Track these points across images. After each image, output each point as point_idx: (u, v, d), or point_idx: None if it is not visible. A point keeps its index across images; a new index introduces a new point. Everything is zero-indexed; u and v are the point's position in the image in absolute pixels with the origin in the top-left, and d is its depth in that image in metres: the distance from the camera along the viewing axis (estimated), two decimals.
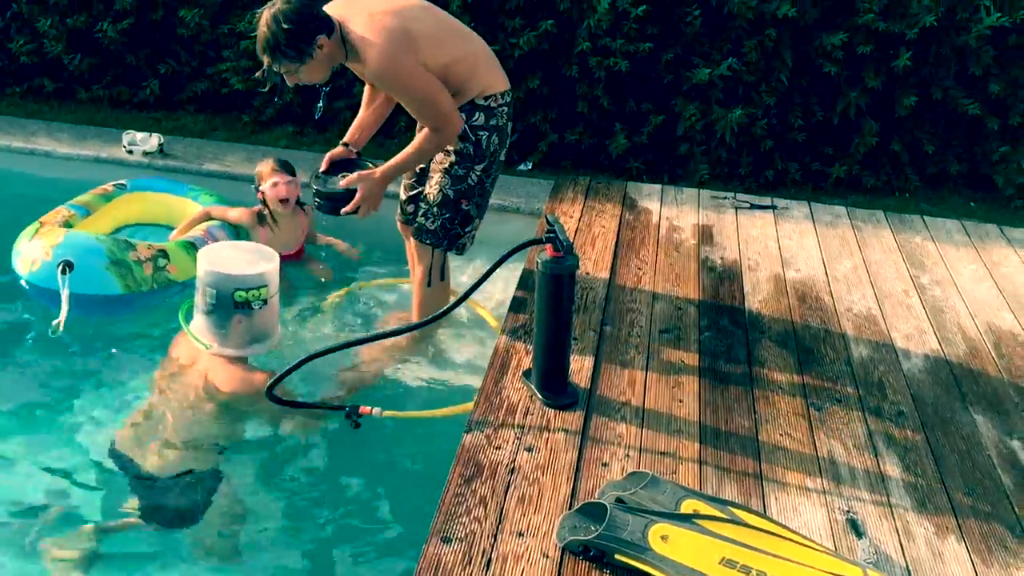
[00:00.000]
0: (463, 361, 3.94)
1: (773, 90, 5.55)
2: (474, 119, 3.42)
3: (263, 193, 4.34)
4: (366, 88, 3.67)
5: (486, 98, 3.43)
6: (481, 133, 3.45)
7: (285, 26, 3.03)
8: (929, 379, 3.27)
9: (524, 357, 3.17)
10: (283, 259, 3.95)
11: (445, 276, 3.75)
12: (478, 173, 3.53)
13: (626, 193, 4.80)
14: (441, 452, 2.83)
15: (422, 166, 3.70)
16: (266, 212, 4.39)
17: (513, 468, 2.62)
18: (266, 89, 3.26)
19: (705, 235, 4.36)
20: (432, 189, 3.55)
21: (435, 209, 3.55)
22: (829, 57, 5.43)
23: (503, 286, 4.27)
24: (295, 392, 3.41)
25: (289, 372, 2.99)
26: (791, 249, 4.28)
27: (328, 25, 3.12)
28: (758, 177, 5.76)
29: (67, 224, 4.21)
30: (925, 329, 3.62)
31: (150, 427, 3.24)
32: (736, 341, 3.42)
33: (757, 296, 3.79)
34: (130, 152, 5.45)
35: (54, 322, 3.76)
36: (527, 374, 3.05)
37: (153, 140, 5.47)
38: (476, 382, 3.57)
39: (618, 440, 2.79)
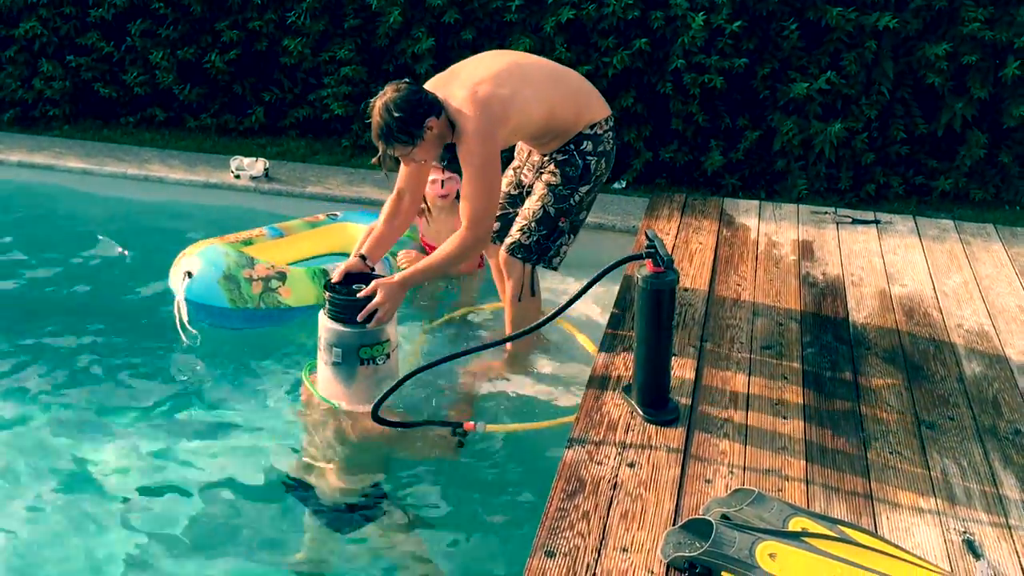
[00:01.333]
0: (559, 377, 3.94)
1: (874, 103, 5.43)
2: (583, 147, 3.54)
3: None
4: (387, 203, 3.65)
5: (591, 127, 3.54)
6: (590, 158, 3.55)
7: (396, 114, 3.15)
8: None
9: (624, 373, 3.17)
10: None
11: (536, 291, 3.77)
12: (581, 194, 3.60)
13: (723, 209, 4.75)
14: (546, 467, 2.84)
15: (520, 181, 3.81)
16: (424, 207, 4.52)
17: (616, 484, 2.62)
18: (383, 172, 3.42)
19: (806, 250, 4.29)
20: (533, 204, 3.61)
21: (533, 224, 3.60)
22: (932, 68, 5.30)
23: (600, 310, 4.28)
24: (403, 412, 3.49)
25: (390, 392, 3.05)
26: (896, 264, 4.18)
27: (436, 108, 3.24)
28: (859, 191, 5.64)
29: (247, 242, 4.43)
30: None
31: (314, 460, 3.39)
32: (841, 357, 3.35)
33: (862, 312, 3.71)
34: (237, 177, 5.66)
35: (184, 338, 3.99)
36: (627, 390, 3.04)
37: (259, 165, 5.67)
38: (571, 399, 3.60)
39: (721, 457, 2.76)
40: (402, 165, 3.50)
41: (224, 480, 3.38)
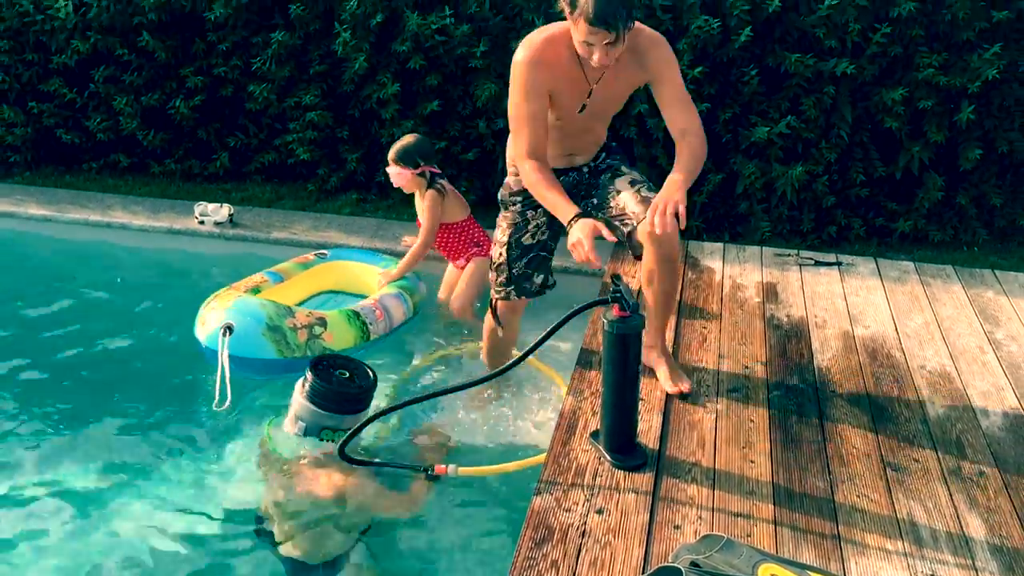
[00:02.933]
0: (531, 419, 3.92)
1: (833, 146, 5.53)
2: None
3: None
4: (535, 174, 3.13)
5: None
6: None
7: None
8: (1010, 438, 3.17)
9: (591, 418, 3.16)
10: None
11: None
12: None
13: (688, 252, 4.79)
14: (520, 509, 2.83)
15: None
16: (439, 185, 4.64)
17: (584, 531, 2.60)
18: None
19: (770, 293, 4.33)
20: (632, 174, 3.47)
21: (649, 183, 3.45)
22: (889, 112, 5.41)
23: (570, 346, 4.28)
24: (367, 452, 3.46)
25: (357, 432, 3.03)
26: (859, 305, 4.22)
27: None
28: (821, 234, 5.71)
29: (255, 290, 4.38)
30: (1003, 386, 3.52)
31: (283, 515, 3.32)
32: (807, 400, 3.37)
33: (826, 354, 3.74)
34: (202, 223, 5.62)
35: (215, 403, 3.84)
36: (595, 435, 3.03)
37: (224, 210, 5.64)
38: (544, 439, 3.58)
39: (690, 502, 2.75)
40: (532, 120, 3.07)
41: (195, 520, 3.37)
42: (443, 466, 3.22)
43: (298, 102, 6.06)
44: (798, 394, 3.40)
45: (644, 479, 2.85)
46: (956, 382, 3.54)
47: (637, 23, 2.91)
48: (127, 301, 5.09)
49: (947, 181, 5.60)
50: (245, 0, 5.87)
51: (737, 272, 4.55)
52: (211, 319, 4.13)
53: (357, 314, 4.36)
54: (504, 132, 5.80)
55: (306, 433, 3.42)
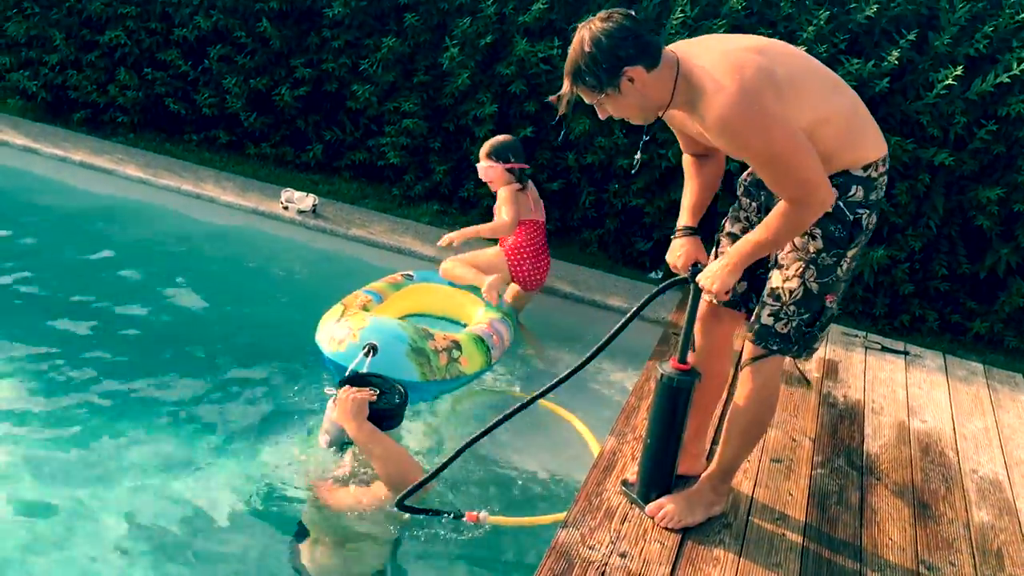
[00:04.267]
0: (562, 468, 3.86)
1: (920, 235, 5.45)
2: (850, 194, 2.62)
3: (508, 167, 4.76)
4: (687, 170, 2.97)
5: (865, 168, 2.62)
6: (860, 211, 2.63)
7: (588, 49, 2.49)
8: None
9: (630, 462, 3.16)
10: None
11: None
12: (848, 260, 2.70)
13: None
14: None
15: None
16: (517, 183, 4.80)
17: (604, 571, 2.61)
18: (555, 120, 2.95)
19: (830, 370, 4.28)
20: (789, 282, 2.71)
21: (791, 308, 2.71)
22: (983, 210, 5.31)
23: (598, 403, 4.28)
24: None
25: (421, 485, 3.01)
26: (919, 398, 4.15)
27: (649, 57, 2.48)
28: (893, 320, 5.62)
29: (365, 308, 4.34)
30: None
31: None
32: (850, 483, 3.32)
33: (878, 440, 3.68)
34: (286, 208, 5.77)
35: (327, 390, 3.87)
36: (625, 484, 3.03)
37: (309, 200, 5.79)
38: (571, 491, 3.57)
39: (714, 563, 2.74)
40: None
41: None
42: (475, 514, 3.15)
43: (397, 107, 6.20)
44: (842, 475, 3.36)
45: (672, 532, 2.84)
46: (1006, 492, 3.46)
47: (718, 78, 2.46)
48: (197, 273, 5.24)
49: None
50: (364, 3, 6.04)
51: (817, 350, 4.50)
52: (341, 333, 4.07)
53: (482, 339, 4.32)
54: (592, 168, 5.88)
55: (330, 445, 3.44)
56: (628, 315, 2.83)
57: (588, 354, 2.87)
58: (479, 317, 4.56)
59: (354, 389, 3.38)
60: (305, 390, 4.13)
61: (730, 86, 2.40)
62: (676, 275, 2.88)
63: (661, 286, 2.83)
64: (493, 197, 6.16)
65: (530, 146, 6.00)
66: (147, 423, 3.81)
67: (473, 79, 5.90)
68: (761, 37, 2.67)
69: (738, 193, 2.93)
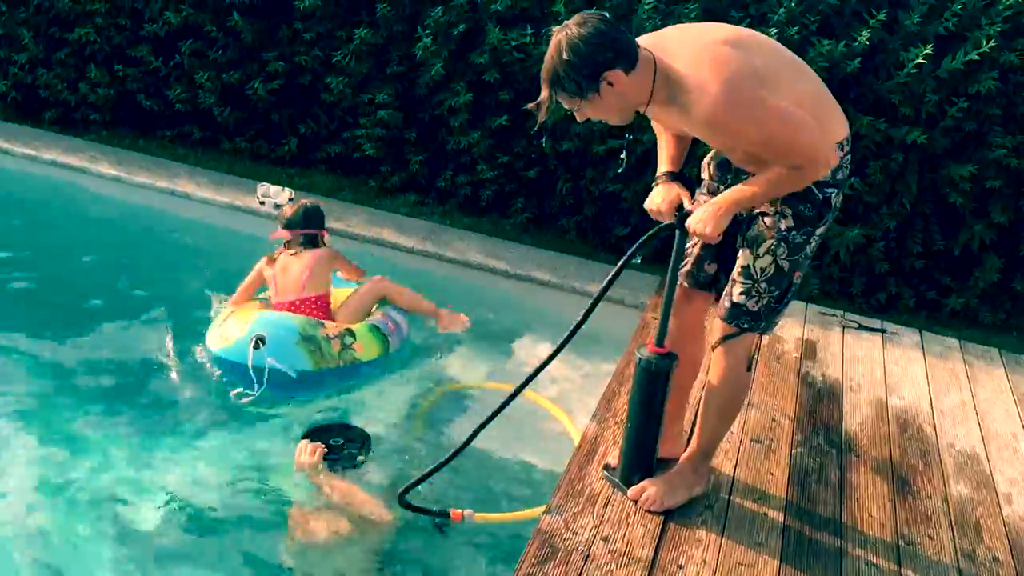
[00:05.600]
0: (544, 460, 3.87)
1: (894, 214, 5.49)
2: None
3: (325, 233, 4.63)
4: (662, 130, 2.94)
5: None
6: (828, 191, 2.68)
7: (566, 56, 2.47)
8: None
9: (612, 447, 3.18)
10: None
11: (753, 365, 3.02)
12: (816, 239, 2.75)
13: None
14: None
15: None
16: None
17: (588, 555, 2.63)
18: (535, 128, 2.92)
19: (808, 350, 4.31)
20: (760, 260, 2.72)
21: (763, 285, 2.74)
22: (956, 187, 5.36)
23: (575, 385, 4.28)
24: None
25: (421, 481, 3.02)
26: (897, 375, 4.19)
27: (627, 59, 2.48)
28: (870, 299, 5.66)
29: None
30: None
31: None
32: (829, 461, 3.35)
33: (856, 418, 3.72)
34: (262, 203, 5.73)
35: (235, 392, 3.93)
36: (608, 468, 3.05)
37: (284, 194, 5.75)
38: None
39: (696, 543, 2.76)
40: None
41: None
42: (459, 512, 3.17)
43: (371, 99, 6.18)
44: (821, 454, 3.39)
45: (655, 515, 2.86)
46: (984, 465, 3.50)
47: (700, 76, 2.46)
48: (168, 268, 5.22)
49: (1005, 264, 5.53)
50: None
51: (778, 325, 4.53)
52: (229, 330, 4.05)
53: (377, 327, 4.36)
54: (569, 155, 5.88)
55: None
56: (612, 272, 2.79)
57: (579, 319, 2.85)
58: (373, 312, 4.59)
59: (308, 447, 3.43)
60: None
61: (713, 84, 2.41)
62: (658, 223, 2.83)
63: (647, 235, 2.78)
64: (471, 185, 6.18)
65: (507, 134, 6.00)
66: (122, 421, 3.82)
67: (447, 69, 5.88)
68: (730, 26, 2.67)
69: (703, 176, 2.94)
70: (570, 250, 5.86)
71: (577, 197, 6.04)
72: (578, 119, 2.65)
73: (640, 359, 2.80)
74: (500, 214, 6.25)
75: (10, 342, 4.26)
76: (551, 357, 2.91)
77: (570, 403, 4.22)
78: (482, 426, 2.94)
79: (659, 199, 2.81)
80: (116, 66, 6.70)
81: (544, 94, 2.58)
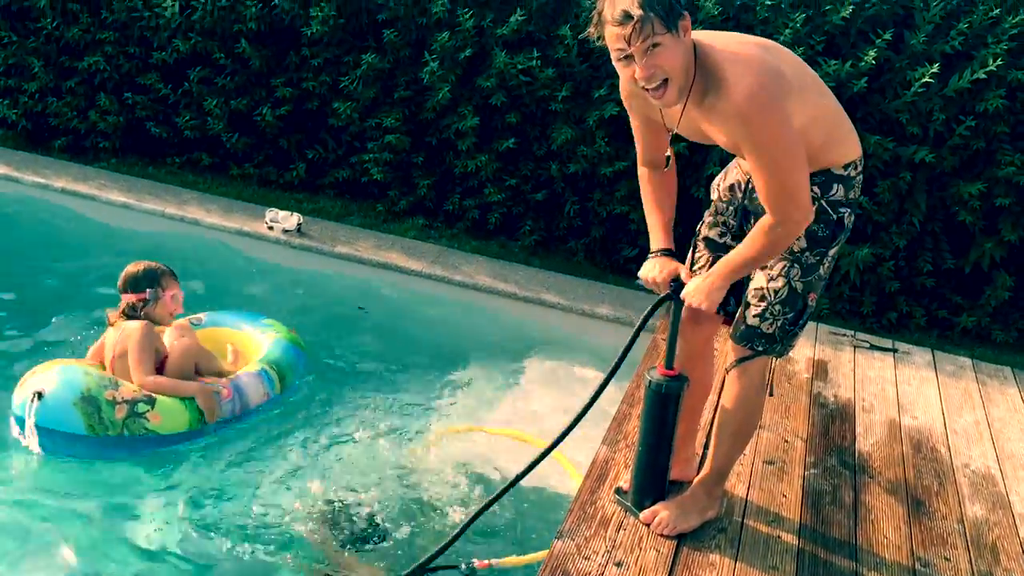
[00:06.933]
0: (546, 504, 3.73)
1: (904, 232, 5.47)
2: (833, 193, 2.64)
3: (160, 299, 3.96)
4: (644, 187, 2.91)
5: (845, 167, 2.65)
6: (842, 210, 2.66)
7: None
8: None
9: (623, 470, 3.16)
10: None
11: (771, 389, 3.00)
12: (830, 259, 2.73)
13: None
14: None
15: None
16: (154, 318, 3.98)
17: None
18: (591, 37, 2.49)
19: (820, 370, 4.29)
20: (774, 282, 2.71)
21: (777, 307, 2.71)
22: (965, 205, 5.34)
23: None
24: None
25: (442, 551, 2.89)
26: (909, 395, 4.16)
27: (688, 16, 2.43)
28: (880, 318, 5.64)
29: None
30: None
31: None
32: (843, 482, 3.32)
33: (869, 439, 3.69)
34: (271, 228, 5.76)
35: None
36: (619, 492, 3.03)
37: (293, 219, 5.78)
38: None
39: (710, 568, 2.74)
40: (638, 131, 2.80)
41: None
42: (484, 561, 3.10)
43: (379, 123, 6.20)
44: (835, 475, 3.36)
45: (668, 539, 2.84)
46: (999, 486, 3.47)
47: (735, 69, 2.42)
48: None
49: (1017, 281, 5.50)
50: (342, 20, 6.05)
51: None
52: (29, 381, 3.73)
53: (192, 398, 3.88)
54: (576, 177, 5.89)
55: None
56: (622, 350, 2.77)
57: (592, 394, 2.78)
58: (248, 366, 4.23)
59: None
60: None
61: (751, 78, 2.39)
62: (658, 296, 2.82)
63: (648, 311, 2.78)
64: (479, 208, 6.19)
65: (514, 157, 6.02)
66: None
67: (454, 92, 5.90)
68: (761, 38, 2.65)
69: (712, 197, 2.94)
70: (578, 272, 5.86)
71: (585, 219, 6.04)
72: (640, 73, 2.42)
73: (650, 382, 2.78)
74: (508, 237, 6.26)
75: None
76: (566, 432, 2.79)
77: (580, 426, 4.18)
78: (507, 488, 2.83)
79: (655, 271, 2.81)
80: (125, 94, 6.75)
81: (636, 11, 2.33)
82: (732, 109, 2.42)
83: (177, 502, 3.55)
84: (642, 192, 2.90)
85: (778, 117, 2.42)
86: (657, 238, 2.87)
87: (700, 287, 2.65)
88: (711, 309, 2.65)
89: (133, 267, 3.98)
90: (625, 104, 2.77)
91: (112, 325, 3.95)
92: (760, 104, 2.39)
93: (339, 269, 5.59)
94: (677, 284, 2.76)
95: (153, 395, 3.76)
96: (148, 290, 3.92)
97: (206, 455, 3.83)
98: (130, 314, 3.91)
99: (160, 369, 3.91)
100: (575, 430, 2.76)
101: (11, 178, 6.30)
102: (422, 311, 5.36)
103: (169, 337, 4.02)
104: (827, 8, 5.26)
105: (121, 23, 6.56)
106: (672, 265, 2.80)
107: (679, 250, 2.89)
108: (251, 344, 4.45)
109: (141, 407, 3.70)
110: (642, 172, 2.88)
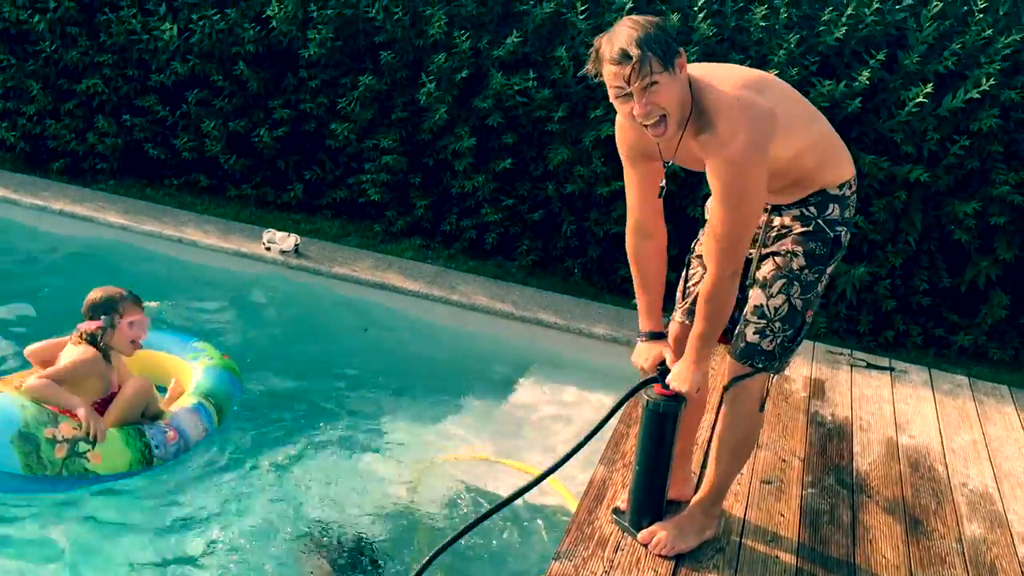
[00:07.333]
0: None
1: (899, 251, 5.49)
2: (828, 212, 2.71)
3: (117, 327, 3.80)
4: (632, 256, 2.93)
5: (840, 186, 2.73)
6: (839, 229, 2.73)
7: (653, 23, 2.46)
8: None
9: (620, 490, 3.15)
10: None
11: (764, 406, 2.91)
12: (826, 277, 2.78)
13: None
14: None
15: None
16: (103, 347, 3.80)
17: None
18: (592, 76, 2.56)
19: (817, 389, 4.29)
20: (773, 300, 2.73)
21: (777, 324, 2.73)
22: (960, 224, 5.37)
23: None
24: None
25: (430, 562, 2.81)
26: (906, 414, 4.16)
27: (681, 57, 2.50)
28: (877, 337, 5.65)
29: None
30: None
31: None
32: (841, 502, 3.32)
33: (867, 458, 3.69)
34: (268, 249, 5.77)
35: None
36: (617, 512, 3.02)
37: (291, 240, 5.79)
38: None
39: None
40: (632, 186, 2.83)
41: None
42: None
43: (376, 144, 6.23)
44: (833, 495, 3.36)
45: (666, 560, 2.83)
46: (997, 504, 3.46)
47: (731, 118, 2.49)
48: (183, 311, 5.23)
49: (1013, 300, 5.52)
50: (339, 43, 6.09)
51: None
52: None
53: (141, 433, 3.76)
54: (573, 197, 5.91)
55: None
56: (609, 411, 2.78)
57: (576, 444, 2.73)
58: (182, 399, 4.07)
59: None
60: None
61: (742, 137, 2.46)
62: (645, 377, 2.87)
63: (632, 387, 2.82)
64: (475, 228, 6.21)
65: (511, 177, 6.04)
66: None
67: (450, 113, 5.93)
68: (755, 71, 2.70)
69: (707, 216, 2.95)
70: (575, 291, 5.87)
71: (582, 239, 6.06)
72: (638, 111, 2.48)
73: (648, 401, 2.78)
74: (505, 256, 6.27)
75: None
76: (556, 466, 2.73)
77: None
78: (486, 515, 2.78)
79: (643, 357, 2.89)
80: (124, 116, 6.77)
81: (635, 53, 2.40)
82: (718, 164, 2.51)
83: (122, 541, 3.42)
84: (631, 265, 2.95)
85: (759, 173, 2.50)
86: (644, 321, 2.95)
87: (680, 374, 2.74)
88: (692, 395, 2.73)
89: (93, 293, 3.84)
90: (620, 147, 2.79)
91: (71, 342, 3.81)
92: (739, 167, 2.48)
93: (336, 288, 5.60)
94: (663, 369, 2.82)
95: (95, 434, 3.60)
96: (103, 317, 3.76)
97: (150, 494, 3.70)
98: (90, 341, 3.76)
99: (107, 402, 3.79)
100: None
101: (9, 200, 6.31)
102: (419, 331, 5.37)
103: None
104: (821, 29, 5.30)
105: (119, 46, 6.60)
106: (657, 350, 2.88)
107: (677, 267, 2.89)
108: (182, 371, 4.29)
109: (82, 446, 3.56)
110: (630, 243, 2.91)
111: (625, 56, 2.40)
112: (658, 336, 2.91)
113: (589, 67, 2.53)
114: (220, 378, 4.23)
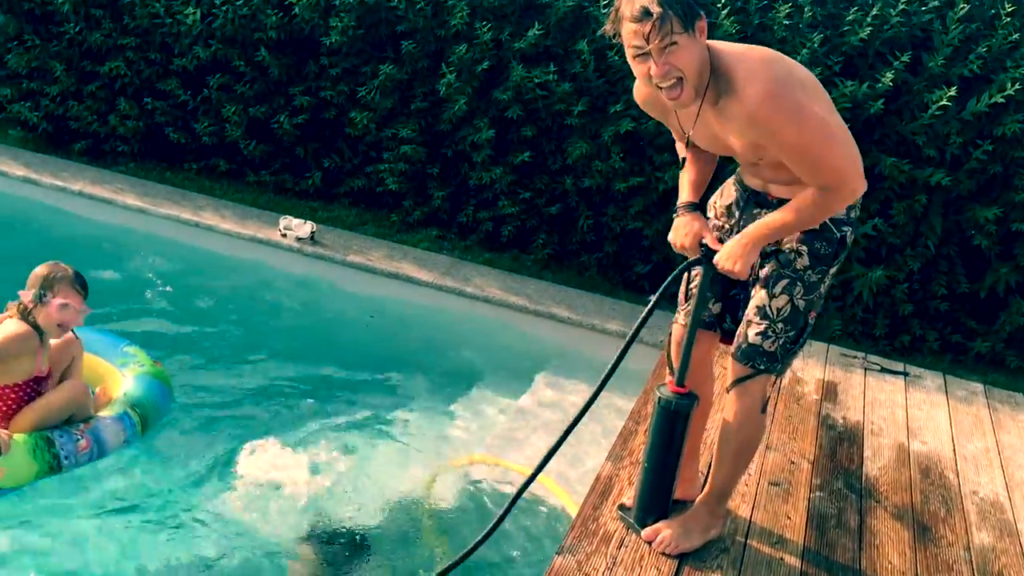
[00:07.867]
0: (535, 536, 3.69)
1: (918, 255, 5.44)
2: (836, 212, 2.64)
3: (46, 305, 3.55)
4: (683, 156, 2.86)
5: None
6: (845, 228, 2.68)
7: None
8: None
9: (627, 487, 3.14)
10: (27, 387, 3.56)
11: (766, 408, 2.86)
12: (830, 277, 2.74)
13: None
14: None
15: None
16: (34, 323, 3.58)
17: None
18: (599, 33, 2.54)
19: (829, 391, 4.26)
20: (776, 300, 2.69)
21: (779, 325, 2.69)
22: (981, 230, 5.31)
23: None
24: None
25: (458, 563, 2.83)
26: (919, 419, 4.13)
27: (704, 17, 2.46)
28: (893, 341, 5.60)
29: None
30: None
31: None
32: (849, 505, 3.29)
33: (877, 463, 3.66)
34: (284, 235, 5.79)
35: None
36: (622, 508, 3.01)
37: (307, 227, 5.80)
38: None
39: None
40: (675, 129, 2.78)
41: None
42: None
43: (395, 134, 6.22)
44: (841, 499, 3.33)
45: (669, 558, 2.82)
46: (1007, 513, 3.43)
47: (749, 69, 2.44)
48: (195, 295, 5.26)
49: None
50: (361, 31, 6.09)
51: (799, 366, 4.49)
52: None
53: (51, 442, 3.50)
54: (590, 191, 5.89)
55: None
56: (640, 318, 2.72)
57: (605, 372, 2.75)
58: (108, 407, 3.83)
59: None
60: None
61: (763, 75, 2.41)
62: (684, 257, 2.77)
63: (675, 272, 2.73)
64: (492, 221, 6.20)
65: (529, 170, 6.02)
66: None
67: (470, 105, 5.92)
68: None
69: (708, 216, 2.90)
70: (590, 287, 5.85)
71: (598, 234, 6.04)
72: (656, 72, 2.43)
73: (660, 399, 2.77)
74: (521, 250, 6.26)
75: None
76: (579, 417, 2.75)
77: (584, 443, 4.18)
78: (508, 509, 2.78)
79: (682, 232, 2.78)
80: (145, 99, 6.80)
81: (656, 9, 2.35)
82: (747, 112, 2.43)
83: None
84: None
85: (794, 108, 2.41)
86: (683, 192, 2.84)
87: (733, 250, 2.61)
88: (743, 273, 2.62)
89: (40, 266, 3.62)
90: (643, 108, 2.78)
91: (8, 315, 3.61)
92: (775, 104, 2.40)
93: (351, 277, 5.61)
94: (707, 250, 2.71)
95: (12, 442, 3.39)
96: (32, 291, 3.54)
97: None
98: (23, 314, 3.56)
99: (36, 386, 3.61)
100: (573, 444, 2.73)
101: (30, 180, 6.35)
102: (431, 322, 5.37)
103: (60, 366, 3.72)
104: (845, 29, 5.25)
105: (143, 29, 6.62)
106: (697, 226, 2.76)
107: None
108: (111, 377, 4.04)
109: None
110: (680, 146, 2.86)
111: (646, 13, 2.35)
112: (695, 207, 2.79)
113: (607, 27, 2.50)
114: (149, 387, 3.96)
